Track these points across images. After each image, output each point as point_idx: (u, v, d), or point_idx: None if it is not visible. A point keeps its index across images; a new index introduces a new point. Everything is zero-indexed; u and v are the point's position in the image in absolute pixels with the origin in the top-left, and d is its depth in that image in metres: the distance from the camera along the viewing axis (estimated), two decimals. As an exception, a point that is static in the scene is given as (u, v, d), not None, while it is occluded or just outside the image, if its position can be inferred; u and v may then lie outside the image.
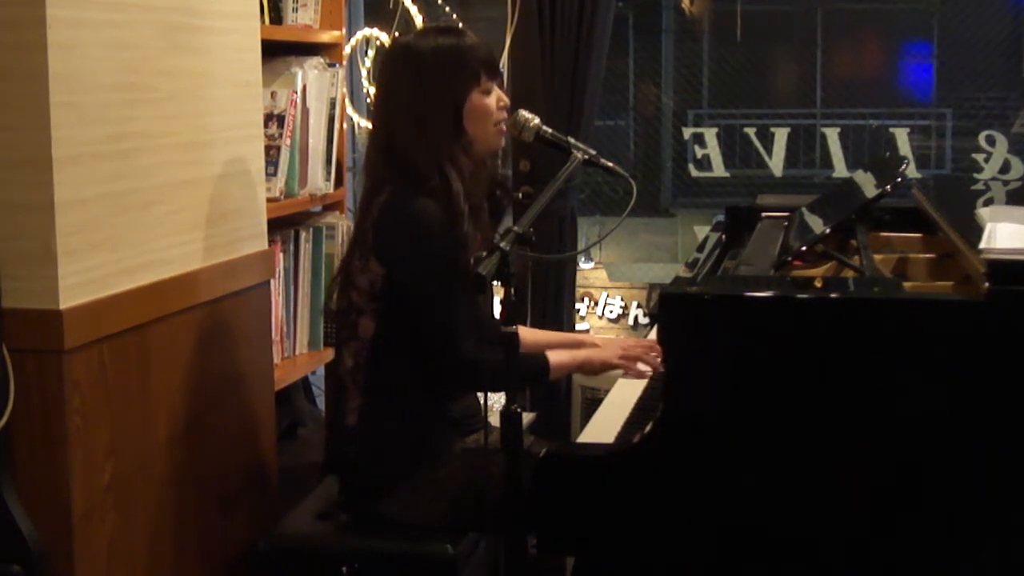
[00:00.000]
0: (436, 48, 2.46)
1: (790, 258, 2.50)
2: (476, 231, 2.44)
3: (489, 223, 2.52)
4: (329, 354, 3.20)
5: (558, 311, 3.85)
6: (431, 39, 2.49)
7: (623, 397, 2.67)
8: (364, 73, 4.06)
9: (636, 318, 4.28)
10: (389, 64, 2.57)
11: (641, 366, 2.66)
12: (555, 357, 2.54)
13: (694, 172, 5.02)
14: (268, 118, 3.02)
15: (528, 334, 2.79)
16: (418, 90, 2.44)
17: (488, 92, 2.48)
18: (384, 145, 2.49)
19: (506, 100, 2.51)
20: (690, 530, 2.08)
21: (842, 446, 2.02)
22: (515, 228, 2.09)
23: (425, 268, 2.40)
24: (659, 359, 2.59)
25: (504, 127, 2.50)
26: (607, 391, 2.81)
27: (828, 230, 2.61)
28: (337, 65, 3.41)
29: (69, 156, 2.05)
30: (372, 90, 3.95)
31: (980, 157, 4.60)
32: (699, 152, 4.90)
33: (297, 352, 3.24)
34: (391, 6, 3.95)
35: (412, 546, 2.41)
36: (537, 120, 2.44)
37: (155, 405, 2.33)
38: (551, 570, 2.87)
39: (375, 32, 3.97)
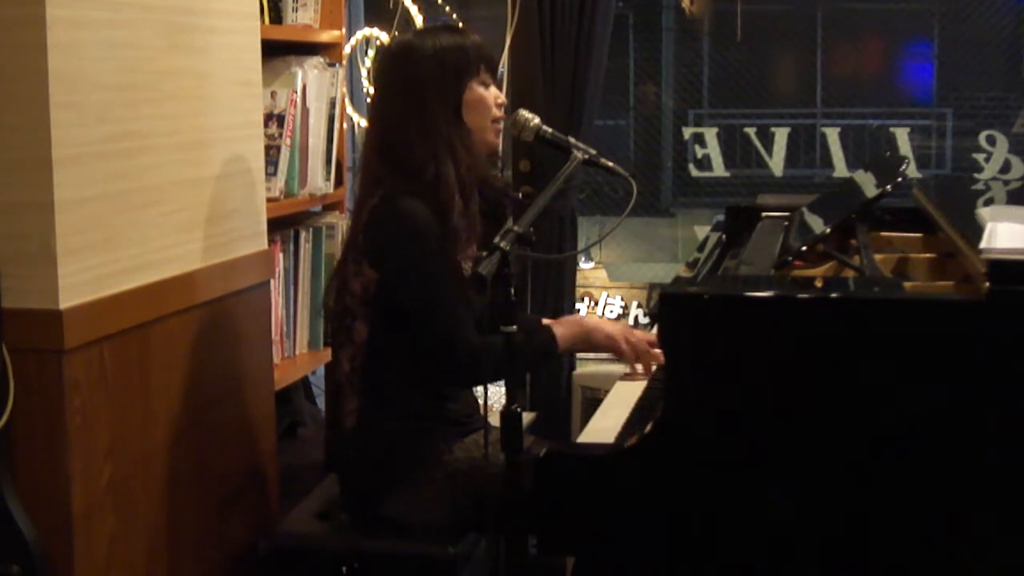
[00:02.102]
0: (437, 46, 2.47)
1: (790, 258, 2.50)
2: (466, 225, 2.44)
3: (479, 219, 2.51)
4: (329, 354, 3.19)
5: (558, 311, 3.84)
6: (431, 37, 2.50)
7: (623, 397, 2.66)
8: (364, 73, 4.06)
9: (636, 318, 4.28)
10: (389, 62, 2.58)
11: (637, 367, 2.65)
12: (561, 329, 2.53)
13: (694, 172, 5.02)
14: (268, 118, 3.02)
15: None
16: (418, 86, 2.45)
17: (486, 85, 2.49)
18: (381, 142, 2.49)
19: (503, 99, 2.53)
20: (690, 530, 2.07)
21: (842, 446, 2.02)
22: (515, 228, 2.09)
23: (415, 268, 2.40)
24: (655, 361, 2.58)
25: (501, 127, 2.51)
26: (607, 391, 2.81)
27: (828, 230, 2.61)
28: (337, 65, 3.41)
29: (69, 156, 2.05)
30: (372, 90, 3.95)
31: (980, 157, 4.60)
32: (699, 152, 4.90)
33: (297, 352, 3.24)
34: (391, 6, 3.95)
35: (412, 546, 2.41)
36: (537, 120, 2.44)
37: (155, 405, 2.33)
38: (551, 570, 2.87)
39: (375, 32, 3.97)
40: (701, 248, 3.07)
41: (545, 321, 2.70)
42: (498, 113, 2.51)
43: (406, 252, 2.41)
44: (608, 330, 2.58)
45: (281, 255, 3.11)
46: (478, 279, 2.00)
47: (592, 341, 2.59)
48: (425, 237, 2.39)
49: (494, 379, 2.45)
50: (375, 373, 2.47)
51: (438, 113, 2.44)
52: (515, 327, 2.07)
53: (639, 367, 2.66)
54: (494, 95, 2.51)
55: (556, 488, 2.12)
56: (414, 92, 2.45)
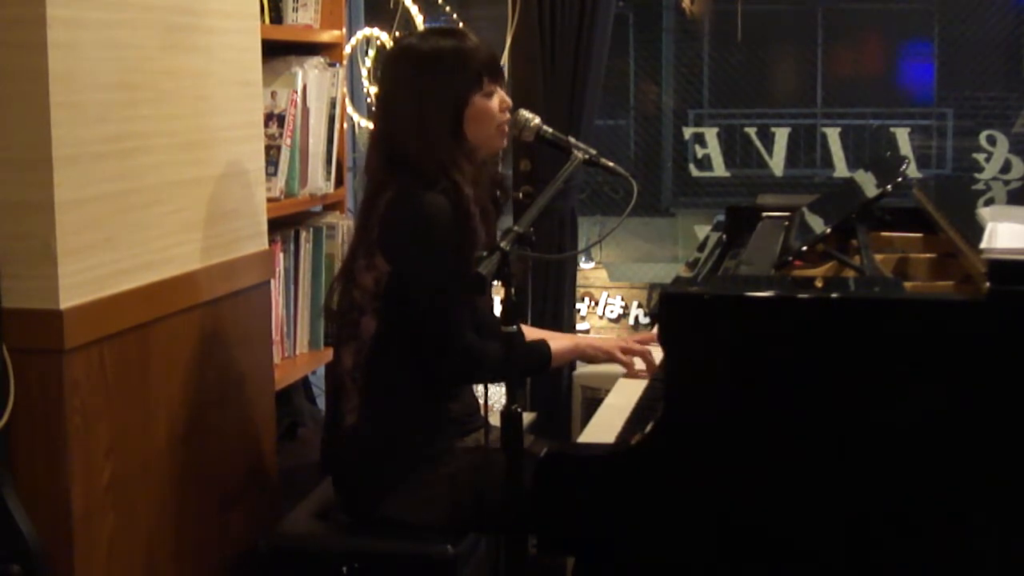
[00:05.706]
0: (437, 50, 2.46)
1: (791, 258, 2.50)
2: (484, 233, 2.45)
3: (495, 225, 2.52)
4: (329, 354, 3.19)
5: (558, 311, 3.84)
6: (432, 41, 2.49)
7: (623, 397, 2.66)
8: (364, 73, 4.06)
9: (636, 318, 4.28)
10: (390, 66, 2.57)
11: (639, 364, 2.66)
12: (556, 344, 2.58)
13: (694, 172, 5.01)
14: (268, 118, 3.02)
15: (530, 332, 2.79)
16: (418, 93, 2.44)
17: (490, 95, 2.47)
18: (386, 148, 2.48)
19: (508, 102, 2.51)
20: (690, 530, 2.07)
21: (842, 446, 2.02)
22: (515, 228, 2.09)
23: (430, 260, 2.40)
24: (658, 359, 2.59)
25: (506, 128, 2.50)
26: (607, 391, 2.81)
27: (829, 230, 2.61)
28: (337, 65, 3.41)
29: (69, 156, 2.05)
30: (372, 90, 3.95)
31: (981, 157, 4.60)
32: (699, 152, 4.90)
33: (297, 352, 3.24)
34: (391, 6, 3.95)
35: (412, 546, 2.41)
36: (537, 120, 2.44)
37: (155, 405, 2.33)
38: (551, 570, 2.87)
39: (375, 32, 3.97)
40: (701, 248, 3.07)
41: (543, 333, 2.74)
42: (504, 117, 2.50)
43: (421, 241, 2.40)
44: (600, 344, 2.68)
45: (281, 255, 3.11)
46: (478, 279, 2.00)
47: (586, 356, 2.71)
48: (441, 229, 2.38)
49: (488, 380, 2.46)
50: (377, 370, 2.46)
51: (437, 123, 2.43)
52: (515, 327, 2.07)
53: (639, 365, 2.67)
54: (499, 100, 2.48)
55: (556, 488, 2.12)
56: (412, 100, 2.44)
